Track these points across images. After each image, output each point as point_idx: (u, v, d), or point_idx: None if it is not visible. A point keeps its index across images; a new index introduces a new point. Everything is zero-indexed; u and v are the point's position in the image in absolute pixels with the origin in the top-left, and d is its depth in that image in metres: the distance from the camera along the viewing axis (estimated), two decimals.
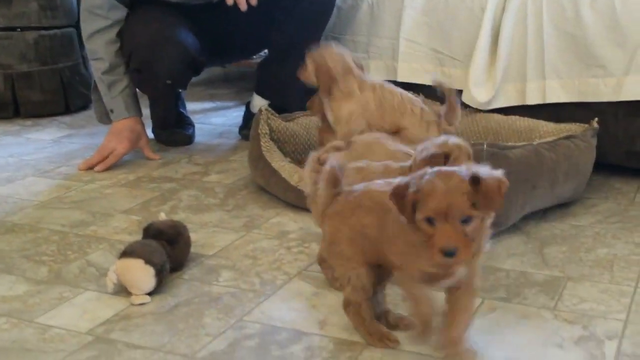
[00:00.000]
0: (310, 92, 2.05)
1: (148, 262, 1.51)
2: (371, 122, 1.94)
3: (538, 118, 2.10)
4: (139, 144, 2.46)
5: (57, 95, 3.11)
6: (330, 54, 1.99)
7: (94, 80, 2.50)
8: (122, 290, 1.53)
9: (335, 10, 2.45)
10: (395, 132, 1.93)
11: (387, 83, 2.02)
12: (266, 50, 2.76)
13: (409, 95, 2.00)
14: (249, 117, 2.62)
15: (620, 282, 1.52)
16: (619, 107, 2.03)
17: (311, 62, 2.00)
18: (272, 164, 2.01)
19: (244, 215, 1.94)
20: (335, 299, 1.48)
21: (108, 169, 2.36)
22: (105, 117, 2.50)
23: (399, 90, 2.00)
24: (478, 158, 1.70)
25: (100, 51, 2.41)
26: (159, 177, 2.28)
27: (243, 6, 2.23)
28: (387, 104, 1.95)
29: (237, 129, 2.74)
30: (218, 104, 3.24)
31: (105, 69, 2.41)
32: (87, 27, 2.42)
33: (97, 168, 2.36)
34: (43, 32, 3.06)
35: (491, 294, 1.48)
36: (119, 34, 2.41)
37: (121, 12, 2.40)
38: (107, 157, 2.38)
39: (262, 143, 2.06)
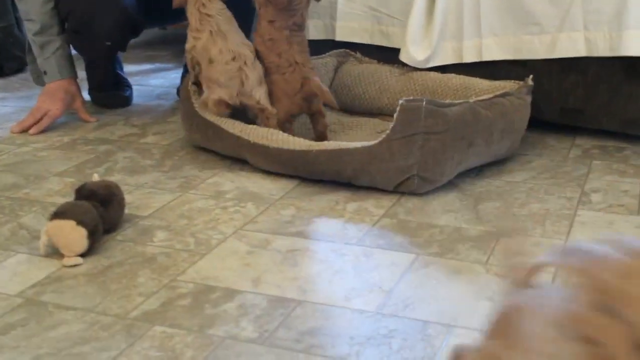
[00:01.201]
0: None
1: (80, 223, 1.49)
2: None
3: (474, 76, 2.10)
4: (73, 105, 2.42)
5: None
6: None
7: (28, 42, 2.45)
8: (55, 252, 1.51)
9: None
10: None
11: (225, 22, 2.03)
12: None
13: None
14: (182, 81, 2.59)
15: (551, 235, 1.54)
16: (553, 64, 2.05)
17: None
18: (207, 117, 1.99)
19: (180, 176, 1.92)
20: (269, 257, 1.48)
21: (42, 131, 2.31)
22: (40, 79, 2.45)
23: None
24: (417, 114, 1.71)
25: (31, 12, 2.35)
26: (94, 139, 2.25)
27: None
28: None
29: (175, 91, 2.71)
30: (156, 65, 3.20)
31: (36, 30, 2.35)
32: None
33: (31, 131, 2.31)
34: None
35: (425, 249, 1.50)
36: None
37: None
38: (40, 119, 2.33)
39: (193, 100, 2.04)
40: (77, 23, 2.34)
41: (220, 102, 1.97)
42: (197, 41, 2.01)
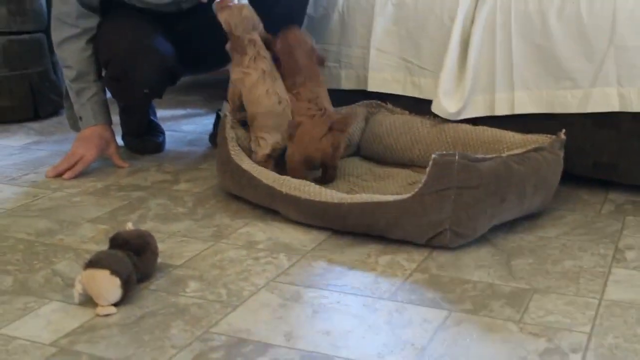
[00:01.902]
0: None
1: (114, 272, 1.50)
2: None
3: (506, 128, 2.11)
4: (107, 151, 2.45)
5: (26, 101, 3.08)
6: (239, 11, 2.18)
7: (65, 87, 2.49)
8: (88, 300, 1.52)
9: (305, 20, 2.45)
10: None
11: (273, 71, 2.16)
12: None
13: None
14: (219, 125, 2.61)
15: (585, 294, 1.53)
16: (586, 118, 2.05)
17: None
18: (242, 165, 2.01)
19: (213, 225, 1.93)
20: (301, 310, 1.48)
21: (76, 176, 2.34)
22: (77, 125, 2.48)
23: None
24: (450, 169, 1.71)
25: (69, 59, 2.39)
26: (127, 185, 2.27)
27: None
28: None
29: (207, 137, 2.74)
30: (188, 111, 3.24)
31: (73, 77, 2.39)
32: (56, 34, 2.40)
33: (65, 176, 2.34)
34: (12, 37, 3.04)
35: (457, 306, 1.49)
36: (91, 42, 2.39)
37: (91, 21, 2.38)
38: (75, 164, 2.36)
39: (230, 147, 2.06)
40: (116, 70, 2.36)
41: (268, 159, 2.10)
42: (246, 76, 2.13)
